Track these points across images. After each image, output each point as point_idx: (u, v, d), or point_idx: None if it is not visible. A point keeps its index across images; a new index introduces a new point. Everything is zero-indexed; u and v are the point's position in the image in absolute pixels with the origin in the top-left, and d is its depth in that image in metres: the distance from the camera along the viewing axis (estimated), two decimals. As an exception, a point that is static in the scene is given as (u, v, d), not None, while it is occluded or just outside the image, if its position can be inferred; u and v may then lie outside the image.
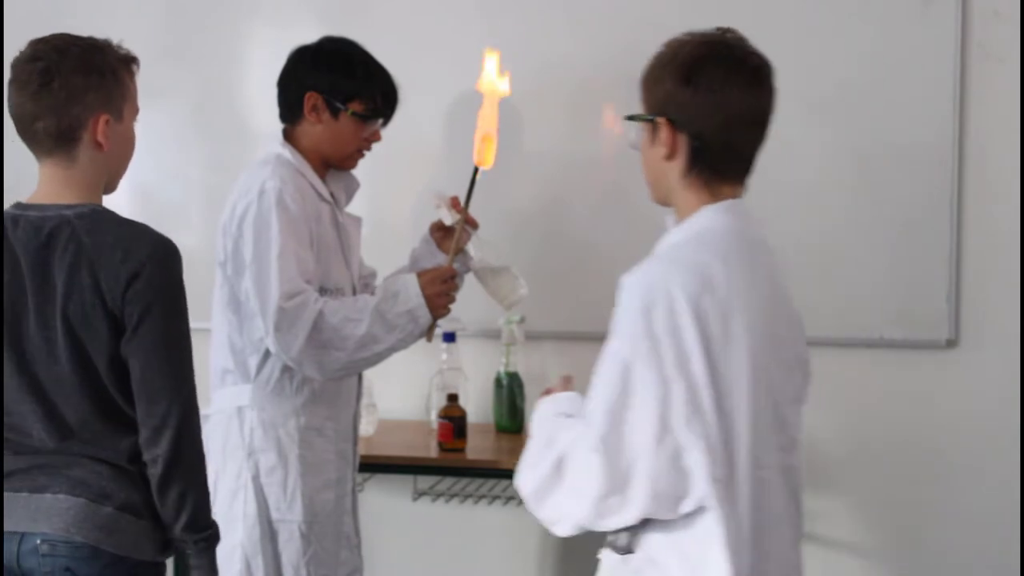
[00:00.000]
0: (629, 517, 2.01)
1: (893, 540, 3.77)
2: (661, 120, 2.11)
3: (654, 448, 1.97)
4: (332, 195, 3.05)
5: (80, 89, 2.32)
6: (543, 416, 2.20)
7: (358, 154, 3.05)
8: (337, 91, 2.97)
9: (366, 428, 3.57)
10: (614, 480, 1.98)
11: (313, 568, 2.96)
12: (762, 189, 3.61)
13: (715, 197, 2.13)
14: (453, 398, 3.52)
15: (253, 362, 2.95)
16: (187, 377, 2.33)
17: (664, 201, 2.20)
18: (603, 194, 3.82)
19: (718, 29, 2.15)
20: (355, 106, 2.96)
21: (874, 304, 3.68)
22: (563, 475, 2.05)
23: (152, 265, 2.29)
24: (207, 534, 2.36)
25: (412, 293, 2.89)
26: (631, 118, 2.18)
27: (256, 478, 2.95)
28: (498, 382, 3.69)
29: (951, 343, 3.66)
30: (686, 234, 2.11)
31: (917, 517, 3.74)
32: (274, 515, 2.95)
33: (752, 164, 2.17)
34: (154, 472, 2.31)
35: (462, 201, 3.06)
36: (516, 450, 3.44)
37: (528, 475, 2.11)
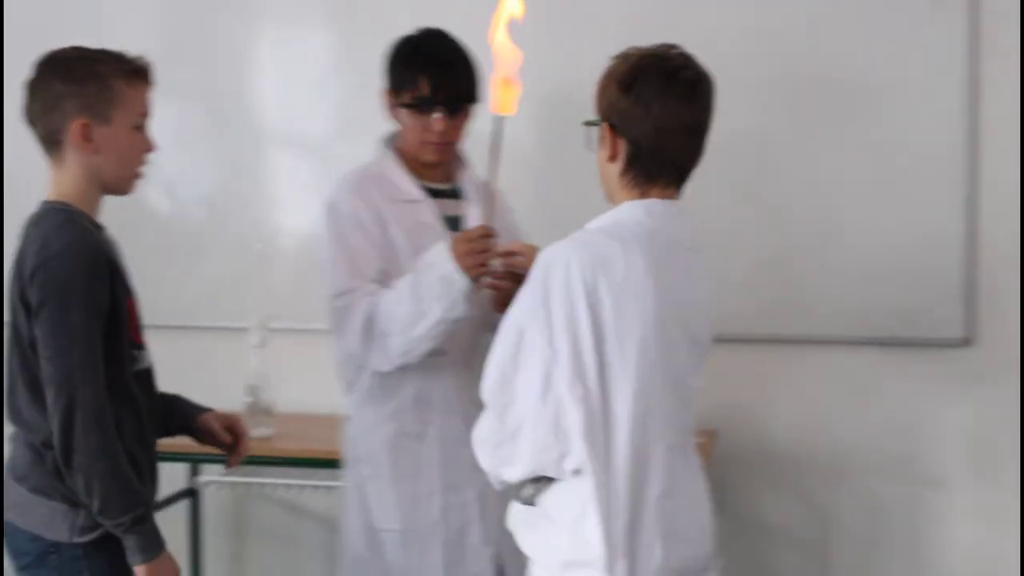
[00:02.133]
0: (521, 469, 2.22)
1: (904, 538, 3.74)
2: (605, 125, 2.30)
3: (538, 406, 2.17)
4: (448, 190, 2.99)
5: (59, 96, 2.49)
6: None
7: (431, 147, 2.95)
8: (392, 84, 2.95)
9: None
10: (503, 432, 2.22)
11: None
12: (775, 188, 3.64)
13: (644, 198, 2.30)
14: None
15: (351, 372, 2.98)
16: (77, 369, 2.40)
17: (610, 197, 2.35)
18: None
19: (664, 45, 2.30)
20: (404, 97, 2.92)
21: (887, 303, 3.66)
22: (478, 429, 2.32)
23: (52, 262, 2.41)
24: (122, 520, 2.42)
25: (442, 258, 2.77)
26: (587, 123, 2.35)
27: (359, 487, 2.97)
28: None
29: (965, 341, 3.64)
30: (600, 223, 2.29)
31: (929, 515, 3.71)
32: (376, 524, 2.95)
33: (687, 171, 2.33)
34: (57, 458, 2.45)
35: (488, 155, 2.92)
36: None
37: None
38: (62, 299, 2.41)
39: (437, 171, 3.00)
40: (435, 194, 2.98)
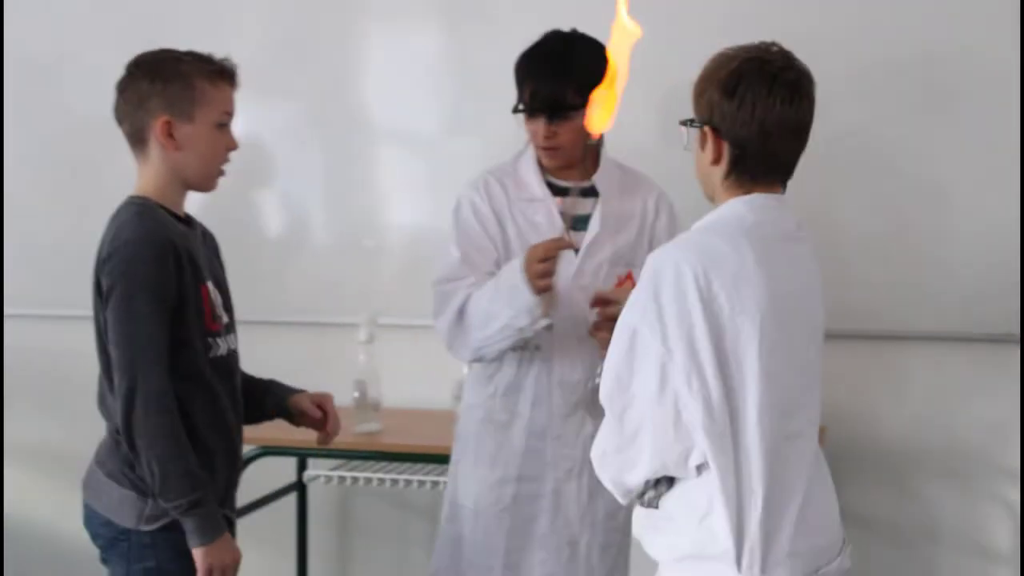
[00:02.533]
0: (643, 471, 2.18)
1: (1010, 539, 3.69)
2: (707, 129, 2.26)
3: (655, 405, 2.14)
4: (583, 188, 2.98)
5: (144, 95, 2.57)
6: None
7: (542, 151, 2.98)
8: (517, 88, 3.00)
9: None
10: (623, 436, 2.18)
11: (474, 555, 3.00)
12: (884, 182, 3.61)
13: (748, 192, 2.28)
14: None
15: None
16: (140, 354, 2.47)
17: (711, 198, 2.33)
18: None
19: (762, 43, 2.27)
20: (519, 102, 2.95)
21: (997, 298, 3.61)
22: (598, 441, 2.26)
23: (121, 251, 2.49)
24: (178, 502, 2.48)
25: (516, 267, 2.82)
26: (685, 123, 2.32)
27: (455, 462, 3.06)
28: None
29: (1024, 337, 3.62)
30: (703, 223, 2.28)
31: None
32: (458, 498, 3.04)
33: (791, 169, 2.29)
34: None
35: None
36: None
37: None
38: (128, 286, 2.48)
39: (573, 170, 3.00)
40: (566, 192, 2.98)
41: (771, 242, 2.23)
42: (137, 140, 2.60)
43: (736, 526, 2.12)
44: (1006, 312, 3.59)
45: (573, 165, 2.99)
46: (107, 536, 2.58)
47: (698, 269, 2.14)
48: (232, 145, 2.64)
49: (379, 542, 4.13)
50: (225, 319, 2.65)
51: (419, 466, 3.63)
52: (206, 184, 2.65)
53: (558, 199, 2.98)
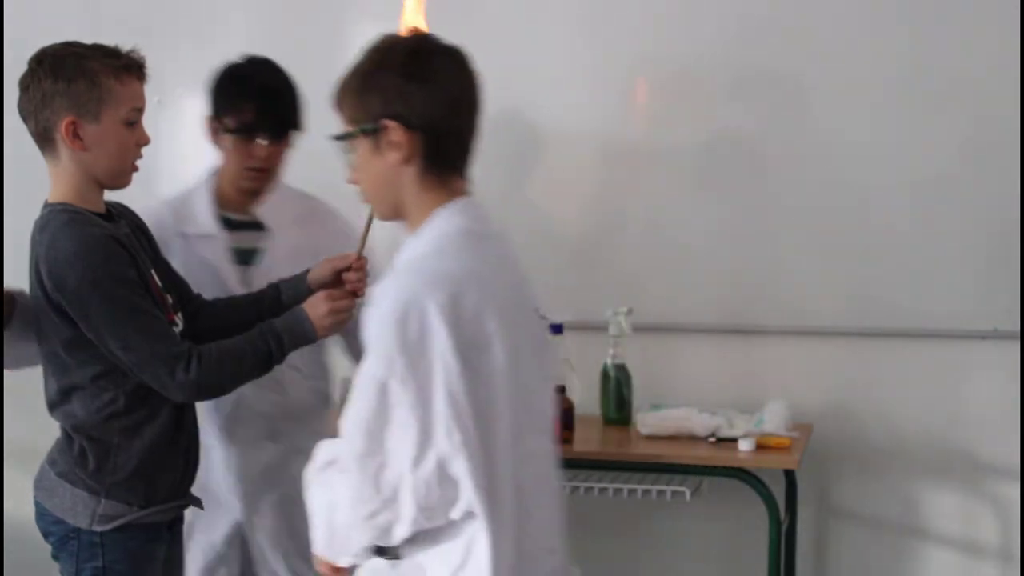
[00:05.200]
0: (404, 530, 2.03)
1: (998, 537, 3.72)
2: (390, 123, 2.05)
3: (417, 462, 1.98)
4: (250, 223, 3.10)
5: (48, 94, 2.53)
6: (308, 481, 2.19)
7: (252, 173, 3.04)
8: (215, 110, 3.04)
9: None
10: (380, 497, 2.00)
11: None
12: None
13: (451, 194, 2.11)
14: (561, 389, 3.51)
15: None
16: (150, 343, 2.52)
17: (396, 213, 2.15)
18: (709, 187, 3.83)
19: (413, 30, 2.21)
20: (228, 122, 3.02)
21: (983, 295, 3.64)
22: (336, 514, 2.08)
23: (74, 265, 2.49)
24: (278, 350, 2.65)
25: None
26: (342, 137, 2.12)
27: None
28: (605, 374, 3.67)
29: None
30: (426, 245, 2.08)
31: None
32: None
33: (471, 156, 2.15)
34: None
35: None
36: (623, 441, 3.53)
37: (317, 538, 2.15)
38: (104, 294, 2.48)
39: (245, 202, 3.04)
40: (235, 226, 3.01)
41: (490, 244, 2.13)
42: (44, 140, 2.57)
43: (496, 566, 2.02)
44: (1006, 308, 3.60)
45: (264, 192, 3.03)
46: (58, 534, 2.61)
47: (442, 301, 1.97)
48: (144, 140, 2.61)
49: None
50: (170, 299, 2.67)
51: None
52: (118, 182, 2.63)
53: (233, 233, 3.01)
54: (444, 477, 1.99)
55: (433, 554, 2.06)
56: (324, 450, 2.15)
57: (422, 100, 2.05)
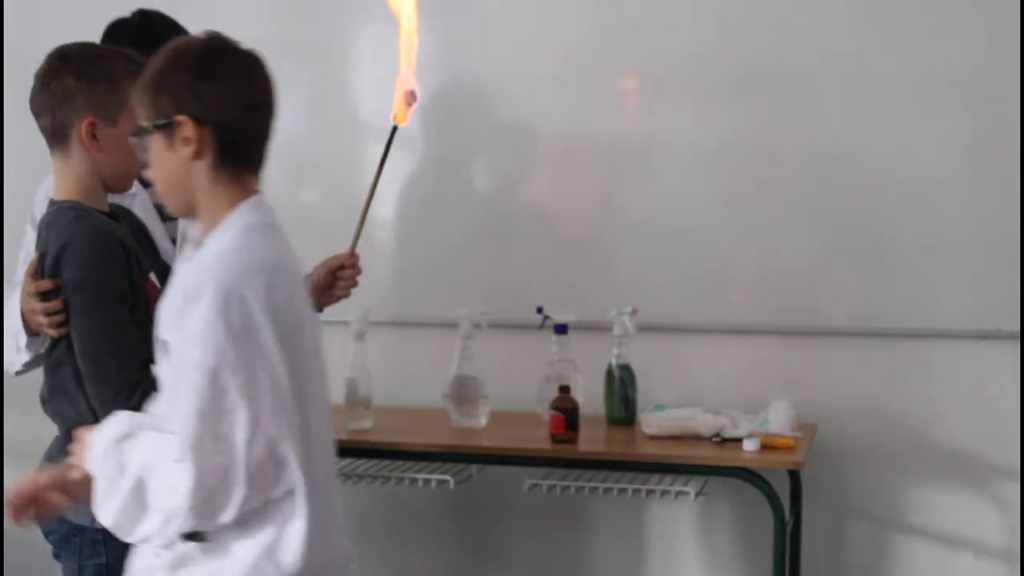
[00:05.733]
0: (233, 512, 2.11)
1: (1007, 537, 3.70)
2: (183, 118, 2.14)
3: (250, 445, 2.08)
4: None
5: (70, 92, 2.56)
6: (100, 448, 2.22)
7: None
8: None
9: (479, 419, 3.61)
10: (214, 481, 2.08)
11: None
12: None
13: (244, 191, 2.22)
14: (565, 389, 3.51)
15: None
16: (113, 358, 2.52)
17: (189, 209, 2.23)
18: (714, 187, 3.82)
19: (210, 32, 2.25)
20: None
21: (992, 295, 3.63)
22: (147, 495, 2.13)
23: (72, 260, 2.51)
24: None
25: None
26: (137, 132, 2.21)
27: None
28: (609, 374, 3.66)
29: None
30: (233, 238, 2.17)
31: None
32: None
33: (266, 154, 2.25)
34: None
35: (377, 165, 3.06)
36: (628, 441, 3.51)
37: (107, 508, 2.17)
38: (83, 295, 2.50)
39: None
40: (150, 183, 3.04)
41: (282, 237, 2.24)
42: (57, 136, 2.59)
43: (310, 543, 2.12)
44: (1006, 308, 3.59)
45: None
46: (60, 532, 2.62)
47: (259, 291, 2.09)
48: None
49: (371, 540, 4.13)
50: None
51: (410, 464, 3.63)
52: (123, 185, 2.67)
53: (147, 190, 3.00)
54: (274, 460, 2.10)
55: (243, 535, 2.14)
56: (119, 423, 2.23)
57: (213, 98, 2.15)
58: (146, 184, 3.04)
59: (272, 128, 2.25)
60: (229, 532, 2.14)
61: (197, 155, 2.16)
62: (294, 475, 2.12)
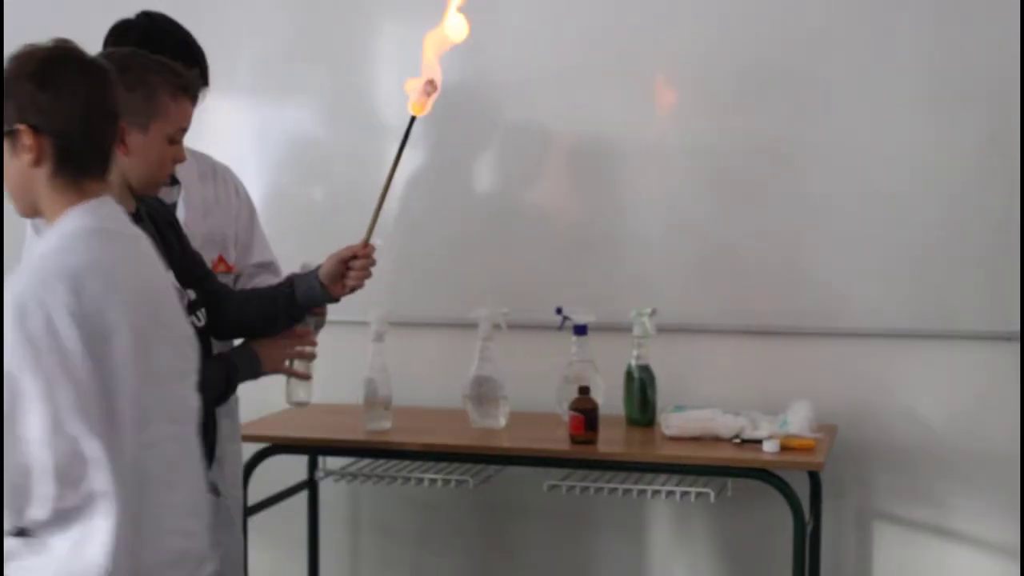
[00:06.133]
0: (44, 509, 2.12)
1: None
2: (23, 127, 2.18)
3: (50, 446, 2.09)
4: None
5: None
6: None
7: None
8: None
9: (498, 420, 3.62)
10: (18, 479, 2.10)
11: None
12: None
13: (82, 195, 2.22)
14: (585, 390, 3.51)
15: None
16: None
17: (33, 211, 2.27)
18: (732, 187, 3.83)
19: (57, 39, 2.24)
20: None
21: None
22: None
23: None
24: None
25: None
26: None
27: None
28: (629, 375, 3.66)
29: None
30: (55, 242, 2.20)
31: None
32: None
33: (109, 160, 2.26)
34: None
35: (395, 155, 3.05)
36: (647, 442, 3.51)
37: None
38: None
39: None
40: None
41: (120, 240, 2.24)
42: None
43: (115, 550, 2.12)
44: (1006, 310, 3.58)
45: None
46: None
47: (63, 297, 2.09)
48: (180, 157, 2.68)
49: (390, 540, 4.15)
50: (192, 296, 2.70)
51: (429, 464, 3.63)
52: (148, 190, 2.69)
53: None
54: (77, 461, 2.11)
55: (57, 531, 2.15)
56: None
57: (51, 107, 2.17)
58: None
59: (112, 133, 2.25)
60: (48, 528, 2.16)
61: (36, 163, 2.19)
62: (103, 474, 2.13)
